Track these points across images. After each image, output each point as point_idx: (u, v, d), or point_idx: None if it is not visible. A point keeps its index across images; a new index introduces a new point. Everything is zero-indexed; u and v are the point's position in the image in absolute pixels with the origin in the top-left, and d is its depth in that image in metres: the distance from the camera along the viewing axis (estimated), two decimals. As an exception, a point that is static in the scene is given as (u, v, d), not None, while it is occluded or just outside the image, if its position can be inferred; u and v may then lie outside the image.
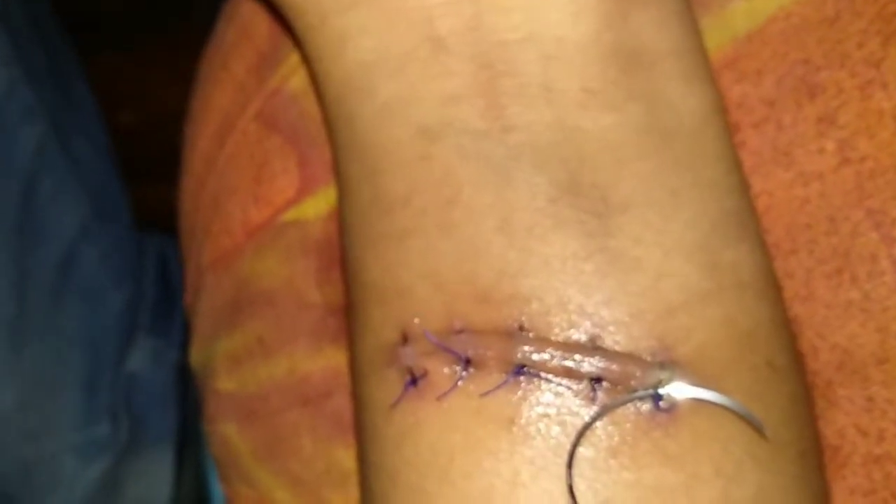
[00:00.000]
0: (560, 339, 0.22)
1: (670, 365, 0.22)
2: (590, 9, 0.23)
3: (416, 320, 0.23)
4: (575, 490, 0.22)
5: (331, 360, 0.31)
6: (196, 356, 0.39)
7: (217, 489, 0.65)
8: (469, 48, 0.23)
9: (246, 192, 0.34)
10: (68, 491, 0.60)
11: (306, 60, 0.27)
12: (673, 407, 0.22)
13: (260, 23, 0.34)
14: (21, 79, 0.57)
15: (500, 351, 0.22)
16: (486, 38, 0.23)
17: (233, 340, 0.35)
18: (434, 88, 0.23)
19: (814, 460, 0.24)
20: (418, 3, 0.23)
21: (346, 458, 0.31)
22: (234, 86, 0.35)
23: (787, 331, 0.25)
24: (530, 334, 0.22)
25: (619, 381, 0.22)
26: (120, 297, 0.62)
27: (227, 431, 0.36)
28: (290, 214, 0.32)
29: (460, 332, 0.23)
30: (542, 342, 0.22)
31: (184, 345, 0.62)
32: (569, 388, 0.22)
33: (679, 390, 0.22)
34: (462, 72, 0.23)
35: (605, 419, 0.22)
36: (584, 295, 0.22)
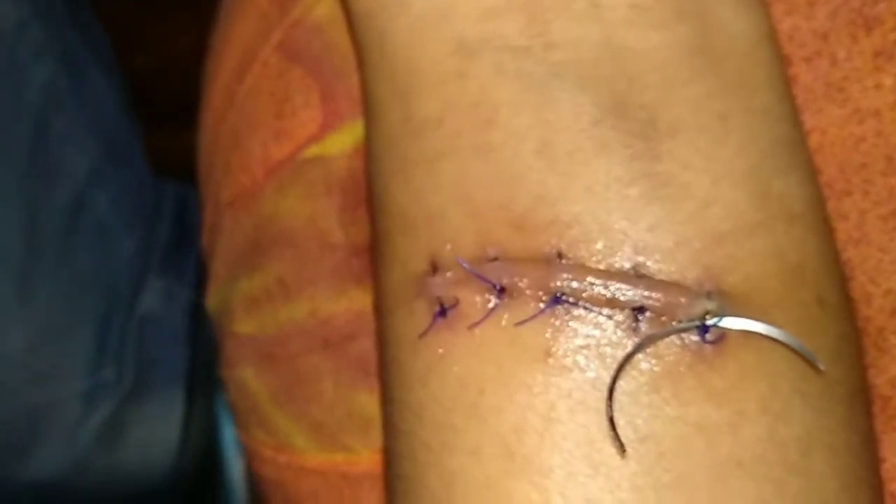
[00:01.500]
0: (601, 267, 0.21)
1: (717, 295, 0.21)
2: None
3: (448, 247, 0.23)
4: (615, 425, 0.21)
5: (354, 303, 0.31)
6: (213, 299, 0.38)
7: (228, 436, 0.65)
8: None
9: (266, 128, 0.33)
10: (74, 436, 0.60)
11: None
12: (719, 339, 0.21)
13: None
14: (33, 16, 0.56)
15: (537, 279, 0.22)
16: None
17: (252, 282, 0.34)
18: (472, 1, 0.22)
19: (862, 403, 0.23)
20: None
21: (368, 403, 0.30)
22: (256, 16, 0.34)
23: (838, 267, 0.24)
24: (569, 262, 0.21)
25: (662, 312, 0.21)
26: (131, 241, 0.62)
27: (244, 376, 0.35)
28: (312, 150, 0.31)
29: (494, 259, 0.22)
30: (582, 270, 0.21)
31: (197, 286, 0.61)
32: (609, 318, 0.21)
33: (727, 321, 0.21)
34: None
35: (648, 351, 0.21)
36: (627, 221, 0.21)
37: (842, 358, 0.23)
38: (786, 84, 0.24)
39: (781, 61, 0.24)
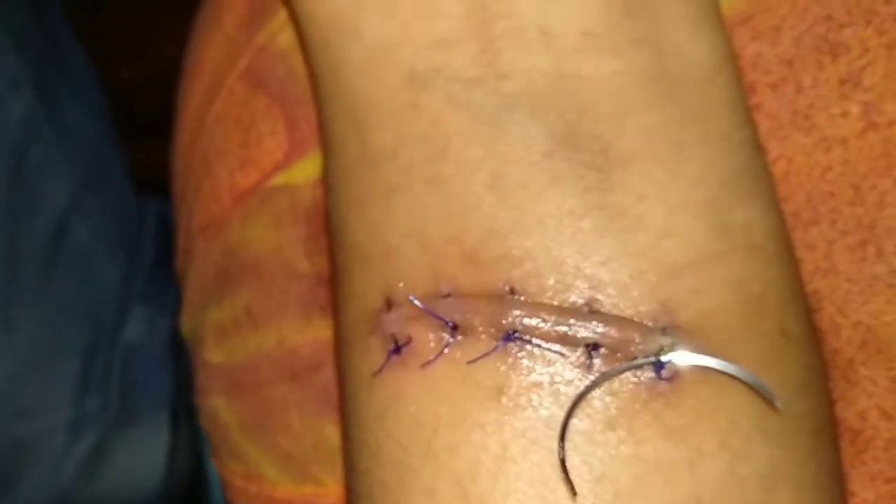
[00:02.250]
0: (554, 302, 0.21)
1: (673, 330, 0.21)
2: None
3: (401, 284, 0.22)
4: (568, 464, 0.21)
5: (320, 333, 0.30)
6: (186, 325, 0.38)
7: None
8: None
9: (233, 155, 0.33)
10: (59, 465, 0.60)
11: (290, 5, 0.26)
12: (675, 376, 0.21)
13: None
14: (8, 49, 0.56)
15: (489, 316, 0.21)
16: None
17: (221, 310, 0.34)
18: (424, 31, 0.22)
19: (829, 436, 0.23)
20: None
21: (334, 434, 0.30)
22: (224, 41, 0.34)
23: (802, 297, 0.24)
24: (522, 298, 0.21)
25: (617, 348, 0.21)
26: (115, 268, 0.62)
27: (215, 404, 0.35)
28: (278, 179, 0.31)
29: (447, 295, 0.22)
30: (535, 306, 0.21)
31: (178, 311, 0.61)
32: (563, 355, 0.21)
33: (682, 357, 0.21)
34: (453, 13, 0.22)
35: (602, 388, 0.21)
36: (580, 255, 0.21)
37: (807, 390, 0.23)
38: (746, 110, 0.24)
39: (741, 87, 0.24)
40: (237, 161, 0.32)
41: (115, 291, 0.62)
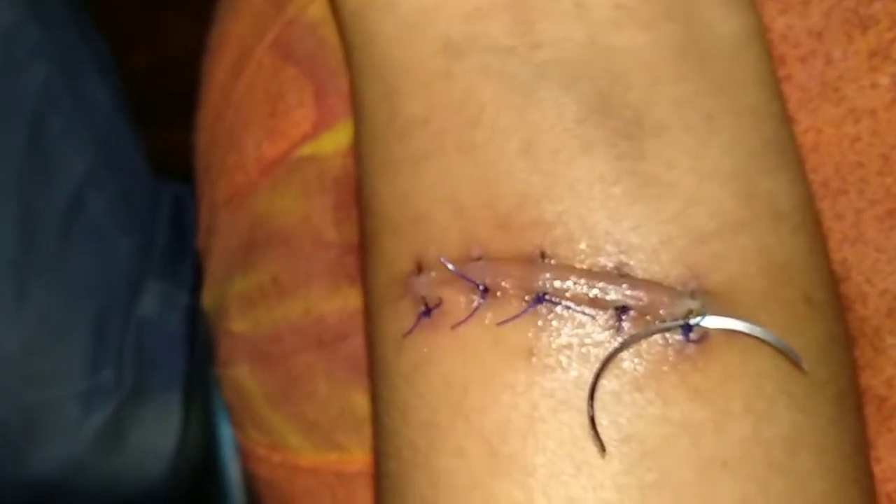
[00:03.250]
0: (584, 266, 0.22)
1: (701, 294, 0.22)
2: None
3: (432, 248, 0.23)
4: (597, 424, 0.21)
5: (348, 301, 0.31)
6: (208, 298, 0.39)
7: (225, 437, 0.65)
8: None
9: (260, 127, 0.33)
10: (71, 437, 0.61)
11: None
12: (703, 339, 0.22)
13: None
14: (29, 17, 0.57)
15: (520, 279, 0.22)
16: None
17: (247, 280, 0.34)
18: (458, 1, 0.23)
19: (852, 403, 0.24)
20: None
21: (361, 401, 0.31)
22: (252, 15, 0.35)
23: (827, 265, 0.24)
24: (552, 261, 0.22)
25: (646, 311, 0.22)
26: (127, 243, 0.63)
27: (239, 374, 0.36)
28: (306, 149, 0.32)
29: (478, 259, 0.22)
30: (565, 269, 0.22)
31: (194, 289, 0.62)
32: (592, 317, 0.22)
33: (710, 321, 0.21)
34: None
35: (631, 350, 0.22)
36: (611, 220, 0.22)
37: (830, 357, 0.23)
38: (775, 84, 0.24)
39: (770, 61, 0.25)
40: (264, 132, 0.33)
41: (127, 267, 0.63)
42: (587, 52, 0.23)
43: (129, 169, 0.65)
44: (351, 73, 0.26)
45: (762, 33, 0.25)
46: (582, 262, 0.22)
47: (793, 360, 0.22)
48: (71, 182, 0.60)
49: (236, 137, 0.35)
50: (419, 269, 0.23)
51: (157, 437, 0.63)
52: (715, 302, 0.22)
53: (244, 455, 0.38)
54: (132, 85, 0.67)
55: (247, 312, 0.35)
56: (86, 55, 0.63)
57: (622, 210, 0.22)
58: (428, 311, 0.23)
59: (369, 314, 0.26)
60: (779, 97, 0.24)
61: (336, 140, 0.31)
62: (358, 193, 0.27)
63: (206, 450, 0.67)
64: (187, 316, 0.65)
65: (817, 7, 0.27)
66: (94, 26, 0.65)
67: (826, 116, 0.27)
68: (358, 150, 0.26)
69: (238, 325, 0.35)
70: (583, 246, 0.22)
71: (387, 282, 0.24)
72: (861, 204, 0.26)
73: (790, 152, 0.24)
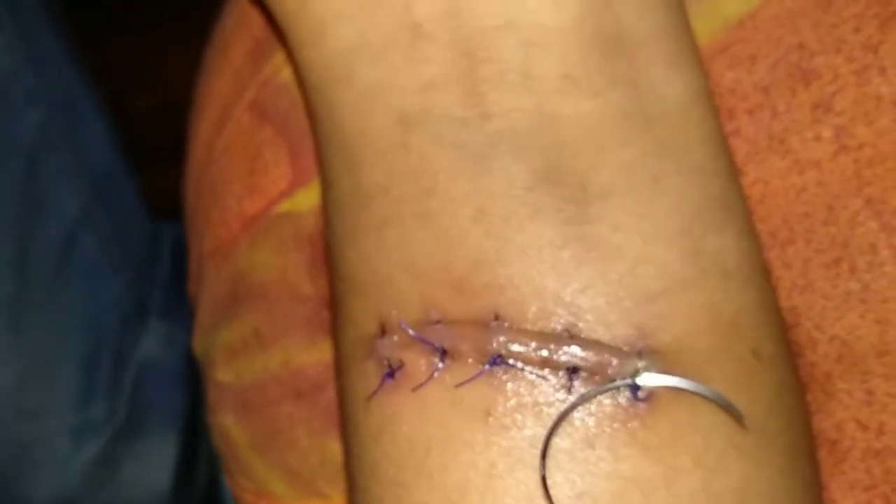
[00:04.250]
0: (536, 328, 0.23)
1: (648, 354, 0.22)
2: None
3: (394, 311, 0.24)
4: (551, 481, 0.22)
5: (324, 353, 0.32)
6: (198, 346, 0.40)
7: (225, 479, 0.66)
8: (447, 34, 0.24)
9: (241, 183, 0.34)
10: (62, 471, 0.61)
11: (288, 50, 0.27)
12: (651, 396, 0.22)
13: (258, 9, 0.34)
14: (25, 63, 0.59)
15: (476, 341, 0.23)
16: (465, 24, 0.24)
17: (231, 331, 0.35)
18: (412, 76, 0.24)
19: (803, 451, 0.24)
20: None
21: (340, 450, 0.32)
22: (231, 73, 0.36)
23: (775, 318, 0.25)
24: (506, 324, 0.23)
25: (596, 371, 0.22)
26: (119, 281, 0.64)
27: (226, 422, 0.37)
28: (283, 206, 0.33)
29: (437, 322, 0.23)
30: (518, 332, 0.23)
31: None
32: (545, 378, 0.23)
33: (656, 379, 0.22)
34: (440, 58, 0.24)
35: (582, 409, 0.22)
36: (560, 283, 0.23)
37: (780, 408, 0.24)
38: (720, 140, 0.25)
39: (716, 118, 0.25)
40: (244, 189, 0.34)
41: (119, 303, 0.64)
42: (535, 120, 0.23)
43: (123, 208, 0.66)
44: (316, 142, 0.27)
45: (707, 92, 0.25)
46: (534, 324, 0.23)
47: (736, 417, 0.23)
48: (64, 221, 0.61)
49: (219, 193, 0.36)
50: (383, 331, 0.24)
51: (151, 472, 0.64)
52: (662, 360, 0.23)
53: (235, 500, 0.39)
54: (134, 127, 0.68)
55: (231, 363, 0.36)
56: (80, 98, 0.64)
57: (571, 273, 0.23)
58: (391, 373, 0.24)
59: (339, 372, 0.27)
60: (724, 153, 0.25)
61: (310, 198, 0.32)
62: (327, 255, 0.28)
63: (210, 491, 0.68)
64: (189, 355, 0.66)
65: (763, 62, 0.28)
66: (93, 70, 0.67)
67: (773, 168, 0.28)
68: (326, 214, 0.27)
69: (223, 374, 0.36)
70: (534, 309, 0.23)
71: (353, 342, 0.25)
72: (808, 253, 0.27)
73: (736, 207, 0.25)
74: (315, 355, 0.32)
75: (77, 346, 0.62)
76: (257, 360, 0.34)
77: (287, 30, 0.26)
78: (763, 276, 0.25)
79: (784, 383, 0.24)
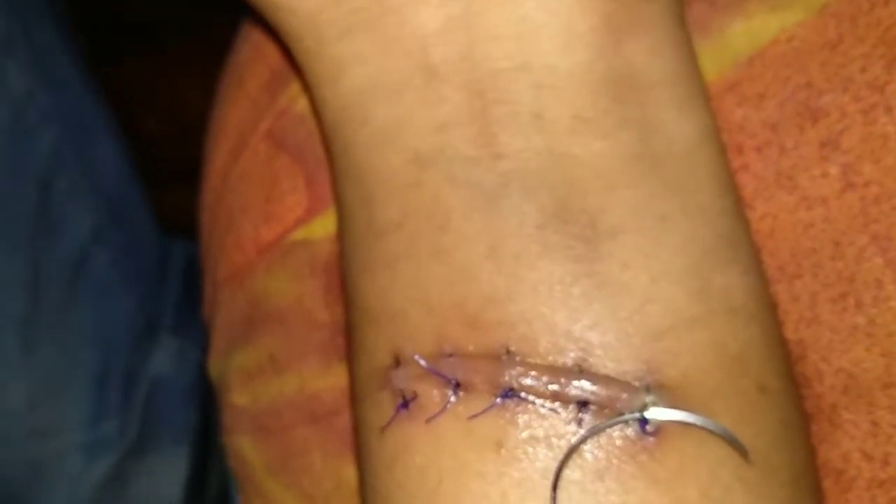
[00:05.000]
0: (547, 362, 0.23)
1: (657, 388, 0.23)
2: (582, 38, 0.24)
3: (408, 344, 0.25)
4: (561, 513, 0.23)
5: (339, 379, 0.33)
6: (213, 369, 0.40)
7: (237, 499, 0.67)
8: (462, 76, 0.25)
9: (257, 210, 0.35)
10: (73, 489, 0.62)
11: (305, 86, 0.28)
12: (659, 430, 0.23)
13: (273, 41, 0.35)
14: (40, 83, 0.60)
15: (488, 374, 0.24)
16: (478, 66, 0.25)
17: (246, 356, 0.36)
18: (427, 115, 0.25)
19: (807, 484, 0.25)
20: (413, 32, 0.25)
21: (354, 475, 0.32)
22: (248, 102, 0.37)
23: (781, 353, 0.26)
24: (518, 358, 0.24)
25: (605, 405, 0.23)
26: (131, 299, 0.65)
27: (241, 444, 0.37)
28: (299, 233, 0.34)
29: (450, 355, 0.24)
30: (530, 366, 0.23)
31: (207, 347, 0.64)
32: (556, 411, 0.23)
33: (664, 413, 0.23)
34: (454, 99, 0.24)
35: (592, 442, 0.23)
36: (570, 319, 0.23)
37: (784, 442, 0.25)
38: (727, 179, 0.26)
39: (723, 157, 0.26)
40: (261, 215, 0.35)
41: (131, 321, 0.65)
42: (546, 160, 0.24)
43: (134, 226, 0.67)
44: (332, 177, 0.28)
45: (715, 132, 0.26)
46: (545, 358, 0.23)
47: (740, 451, 0.23)
48: (77, 239, 0.62)
49: (235, 219, 0.37)
50: (397, 362, 0.25)
51: (162, 488, 0.65)
52: (670, 395, 0.23)
53: (248, 521, 0.40)
54: (145, 150, 0.69)
55: (247, 386, 0.36)
56: (93, 119, 0.66)
57: (581, 310, 0.23)
58: (405, 404, 0.25)
59: (353, 401, 0.27)
60: (730, 191, 0.26)
61: (326, 225, 0.33)
62: (342, 284, 0.29)
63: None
64: (201, 371, 0.66)
65: (772, 100, 0.28)
66: (105, 91, 0.68)
67: (781, 204, 0.28)
68: (341, 247, 0.28)
69: (239, 397, 0.37)
70: (545, 343, 0.24)
71: (368, 372, 0.26)
72: (815, 287, 0.28)
73: (742, 244, 0.26)
74: (330, 380, 0.33)
75: (89, 364, 0.63)
76: (273, 384, 0.35)
77: (305, 68, 0.27)
78: (768, 311, 0.26)
79: (788, 417, 0.25)
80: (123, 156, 0.68)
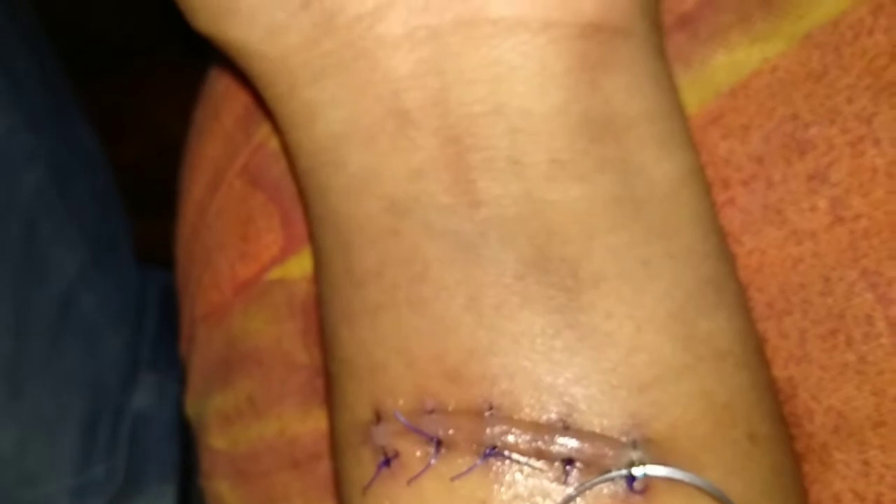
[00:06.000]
0: (531, 418, 0.23)
1: (644, 443, 0.23)
2: (557, 79, 0.24)
3: (389, 398, 0.25)
4: (548, 573, 0.23)
5: (320, 423, 0.33)
6: (191, 407, 0.40)
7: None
8: (435, 121, 0.24)
9: (233, 248, 0.35)
10: None
11: (277, 130, 0.28)
12: (647, 487, 0.23)
13: (244, 85, 0.35)
14: (21, 123, 0.59)
15: (471, 432, 0.23)
16: (452, 111, 0.24)
17: (224, 398, 0.36)
18: (401, 162, 0.24)
19: None
20: (385, 76, 0.24)
21: (336, 521, 0.32)
22: (223, 137, 0.36)
23: (770, 397, 0.25)
24: (501, 414, 0.23)
25: (591, 462, 0.23)
26: (118, 338, 0.64)
27: (220, 489, 0.37)
28: (275, 273, 0.34)
29: (432, 411, 0.24)
30: (512, 423, 0.23)
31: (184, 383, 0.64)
32: (540, 469, 0.23)
33: (651, 470, 0.23)
34: (428, 146, 0.24)
35: (578, 501, 0.23)
36: (553, 373, 0.23)
37: (776, 489, 0.25)
38: (711, 220, 0.26)
39: (707, 196, 0.26)
40: (237, 254, 0.35)
41: (118, 361, 0.65)
42: (524, 207, 0.24)
43: (119, 265, 0.67)
44: (308, 222, 0.28)
45: (699, 169, 0.26)
46: (528, 414, 0.23)
47: (730, 506, 0.23)
48: (62, 282, 0.62)
49: (211, 257, 0.36)
50: (378, 417, 0.25)
51: None
52: (657, 449, 0.23)
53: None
54: (121, 176, 0.69)
55: (225, 430, 0.36)
56: (76, 156, 0.65)
57: (564, 363, 0.23)
58: (387, 462, 0.24)
59: (335, 454, 0.27)
60: (715, 233, 0.26)
61: (302, 265, 0.33)
62: (321, 334, 0.28)
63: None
64: (180, 406, 0.66)
65: (756, 132, 0.28)
66: (85, 118, 0.67)
67: (769, 238, 0.28)
68: (320, 294, 0.28)
69: (217, 441, 0.37)
70: (528, 399, 0.23)
71: (349, 426, 0.26)
72: (805, 323, 0.28)
73: (728, 287, 0.25)
74: (310, 424, 0.33)
75: (77, 408, 0.62)
76: (252, 428, 0.35)
77: (276, 112, 0.27)
78: (756, 354, 0.26)
79: (779, 463, 0.25)
80: (107, 193, 0.67)
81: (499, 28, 0.24)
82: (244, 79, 0.30)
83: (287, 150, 0.27)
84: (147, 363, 0.66)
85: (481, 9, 0.24)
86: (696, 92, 0.28)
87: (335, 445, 0.27)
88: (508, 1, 0.24)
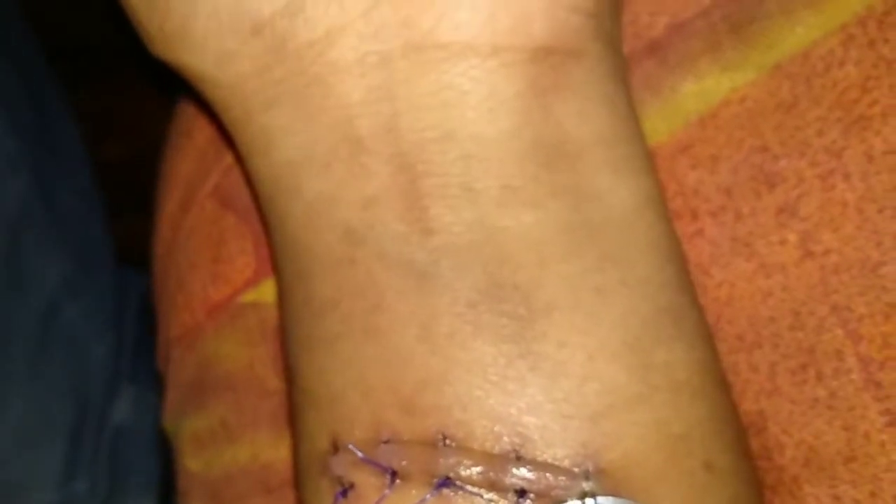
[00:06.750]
0: (484, 448, 0.24)
1: (596, 473, 0.23)
2: (507, 104, 0.24)
3: (345, 429, 0.25)
4: None
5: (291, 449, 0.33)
6: (168, 424, 0.41)
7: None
8: (388, 148, 0.25)
9: (205, 270, 0.36)
10: None
11: (238, 158, 0.28)
12: (599, 519, 0.23)
13: (207, 113, 0.36)
14: (6, 132, 0.60)
15: (424, 463, 0.24)
16: (404, 137, 0.25)
17: (198, 420, 0.37)
18: (355, 190, 0.25)
19: None
20: (337, 102, 0.25)
21: (307, 549, 0.33)
22: (196, 155, 0.37)
23: (731, 428, 0.26)
24: (454, 445, 0.24)
25: (544, 493, 0.23)
26: (101, 349, 0.65)
27: (195, 512, 0.38)
28: (248, 296, 0.34)
29: (387, 441, 0.24)
30: (465, 453, 0.24)
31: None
32: (493, 500, 0.23)
33: (604, 501, 0.23)
34: (382, 173, 0.25)
35: (531, 533, 0.23)
36: (506, 403, 0.24)
37: None
38: (670, 248, 0.26)
39: (666, 223, 0.26)
40: (209, 275, 0.35)
41: (102, 372, 0.65)
42: (476, 234, 0.24)
43: (102, 271, 0.67)
44: (270, 250, 0.28)
45: (657, 196, 0.26)
46: (482, 444, 0.24)
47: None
48: (45, 292, 0.63)
49: (184, 278, 0.37)
50: (335, 447, 0.25)
51: None
52: (610, 479, 0.23)
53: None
54: (104, 177, 0.70)
55: (199, 453, 0.37)
56: (60, 164, 0.66)
57: (516, 392, 0.24)
58: (344, 492, 0.25)
59: (297, 484, 0.28)
60: (674, 261, 0.26)
61: (275, 289, 0.33)
62: (284, 362, 0.29)
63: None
64: (157, 418, 0.66)
65: (725, 163, 0.29)
66: (70, 123, 0.68)
67: (738, 271, 0.28)
68: (282, 322, 0.28)
69: (192, 463, 0.37)
70: (481, 429, 0.24)
71: (309, 456, 0.26)
72: (775, 357, 0.28)
73: (688, 318, 0.26)
74: (282, 451, 0.33)
75: (61, 418, 0.63)
76: (226, 452, 0.35)
77: (236, 138, 0.27)
78: (717, 386, 0.26)
79: (739, 495, 0.25)
80: (92, 195, 0.68)
81: (448, 53, 0.24)
82: (206, 109, 0.30)
83: (248, 177, 0.28)
84: (127, 375, 0.66)
85: (430, 34, 0.24)
86: (666, 120, 0.29)
87: (297, 475, 0.27)
88: (457, 26, 0.24)
